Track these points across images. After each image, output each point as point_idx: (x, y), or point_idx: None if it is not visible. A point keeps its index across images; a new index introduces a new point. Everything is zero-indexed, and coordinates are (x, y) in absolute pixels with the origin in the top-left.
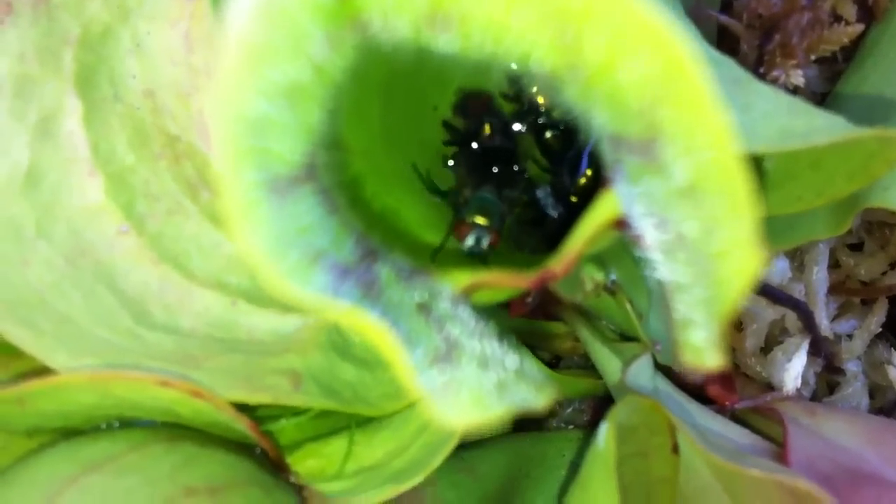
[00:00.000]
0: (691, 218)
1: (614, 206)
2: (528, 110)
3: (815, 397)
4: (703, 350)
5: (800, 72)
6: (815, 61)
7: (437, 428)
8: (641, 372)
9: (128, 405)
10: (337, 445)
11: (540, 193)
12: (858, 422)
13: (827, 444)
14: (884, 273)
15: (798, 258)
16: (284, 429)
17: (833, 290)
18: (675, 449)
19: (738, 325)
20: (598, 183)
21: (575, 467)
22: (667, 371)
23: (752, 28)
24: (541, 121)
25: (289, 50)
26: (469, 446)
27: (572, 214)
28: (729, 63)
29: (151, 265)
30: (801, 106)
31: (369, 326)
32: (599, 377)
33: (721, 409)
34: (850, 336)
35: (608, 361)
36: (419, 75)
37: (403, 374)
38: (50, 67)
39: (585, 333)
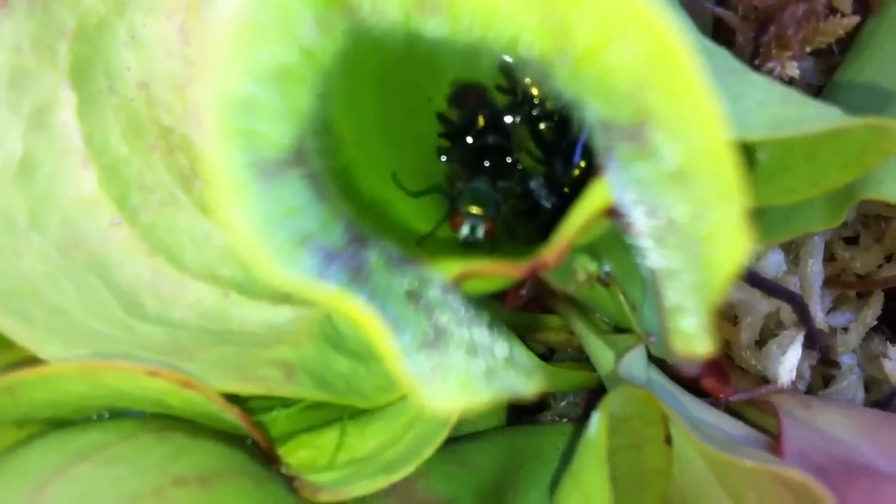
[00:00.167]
0: (681, 202)
1: (606, 194)
2: (522, 102)
3: (810, 390)
4: (693, 337)
5: (795, 63)
6: (811, 53)
7: (429, 419)
8: (635, 363)
9: (118, 395)
10: (329, 437)
11: (534, 184)
12: (853, 414)
13: (821, 437)
14: (879, 266)
15: (793, 251)
16: (276, 420)
17: (828, 283)
18: (669, 440)
19: (732, 319)
20: (592, 174)
21: (567, 459)
22: (661, 364)
23: (747, 20)
24: (535, 112)
25: (278, 32)
26: (462, 439)
27: (566, 205)
28: (723, 53)
29: (144, 257)
30: (794, 96)
31: (356, 310)
32: (594, 370)
33: (716, 402)
34: (845, 329)
35: (602, 353)
36: (413, 66)
37: (390, 358)
38: (45, 59)
39: (579, 325)
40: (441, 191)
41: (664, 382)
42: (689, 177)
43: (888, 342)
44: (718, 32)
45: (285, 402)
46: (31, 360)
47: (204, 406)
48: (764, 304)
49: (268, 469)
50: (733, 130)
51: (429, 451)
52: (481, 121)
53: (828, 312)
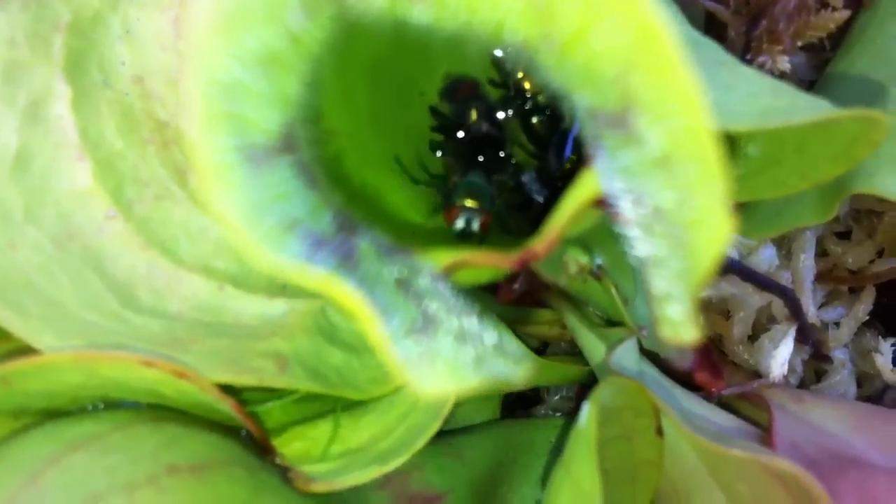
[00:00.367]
0: (666, 188)
1: (594, 184)
2: (514, 96)
3: (802, 385)
4: (680, 324)
5: (786, 58)
6: (803, 48)
7: (423, 411)
8: (626, 355)
9: (112, 385)
10: (323, 428)
11: (526, 178)
12: (845, 408)
13: (813, 430)
14: (871, 261)
15: (785, 246)
16: (270, 412)
17: (820, 278)
18: (660, 432)
19: (725, 313)
20: (582, 167)
21: (558, 451)
22: (654, 358)
23: (738, 14)
24: (527, 106)
25: (264, 16)
26: (457, 432)
27: (557, 198)
28: (713, 46)
29: (139, 250)
30: (784, 87)
31: (345, 294)
32: (587, 364)
33: (708, 396)
34: (837, 324)
35: (594, 346)
36: (404, 59)
37: (378, 343)
38: (40, 53)
39: (572, 319)
40: (435, 184)
41: (656, 375)
42: (672, 162)
43: (880, 337)
44: (710, 27)
45: (279, 394)
46: (26, 351)
47: (198, 396)
48: (756, 299)
49: (262, 460)
50: (723, 121)
51: (421, 442)
52: (474, 114)
53: (820, 307)
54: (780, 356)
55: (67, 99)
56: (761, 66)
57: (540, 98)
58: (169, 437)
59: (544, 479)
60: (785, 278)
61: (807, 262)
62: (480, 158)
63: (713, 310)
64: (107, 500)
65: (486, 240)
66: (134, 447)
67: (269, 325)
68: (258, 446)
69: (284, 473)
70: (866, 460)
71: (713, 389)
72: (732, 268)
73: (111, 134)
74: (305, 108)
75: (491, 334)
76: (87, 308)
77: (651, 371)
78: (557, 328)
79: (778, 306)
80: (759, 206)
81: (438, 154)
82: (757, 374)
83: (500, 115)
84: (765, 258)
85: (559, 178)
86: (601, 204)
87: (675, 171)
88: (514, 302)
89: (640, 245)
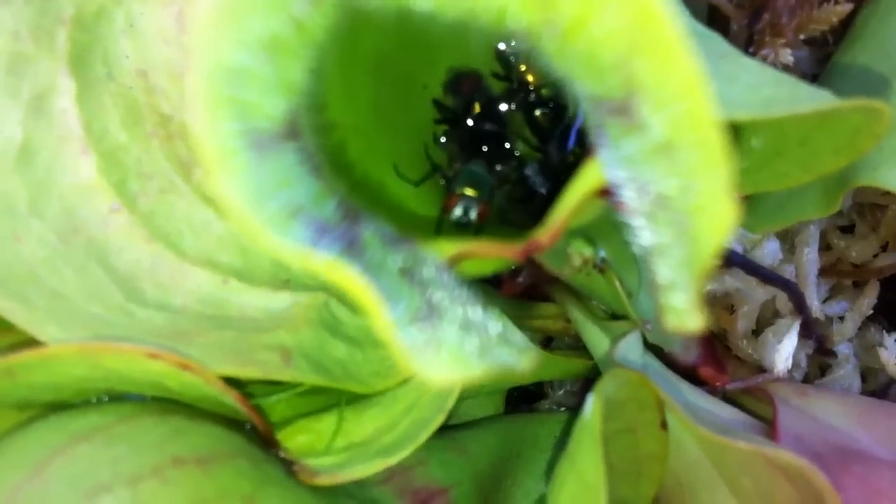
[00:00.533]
0: (669, 175)
1: (598, 174)
2: (517, 88)
3: (806, 380)
4: (685, 313)
5: (789, 51)
6: (806, 42)
7: (427, 405)
8: (630, 348)
9: (117, 378)
10: (327, 422)
11: (529, 171)
12: (849, 402)
13: (817, 424)
14: (875, 255)
15: (789, 240)
16: (275, 405)
17: (824, 272)
18: (664, 425)
19: (729, 308)
20: (585, 159)
21: (562, 445)
22: (658, 352)
23: (741, 7)
24: (530, 98)
25: (269, 2)
26: (461, 427)
27: (560, 191)
28: (716, 38)
29: (143, 243)
30: (786, 79)
31: (350, 279)
32: (591, 358)
33: (712, 391)
34: (841, 318)
35: (598, 339)
36: (407, 52)
37: (383, 329)
38: (44, 46)
39: (576, 313)
40: (438, 174)
41: (660, 368)
42: (675, 148)
43: (884, 331)
44: (713, 21)
45: (284, 387)
46: (31, 343)
47: (203, 389)
48: (760, 293)
49: (266, 453)
50: (726, 111)
51: (425, 436)
52: (477, 107)
53: (824, 301)
54: (785, 350)
55: (71, 92)
56: (764, 60)
57: (543, 91)
58: (174, 430)
59: (548, 474)
60: (788, 272)
61: (810, 256)
62: (483, 149)
63: (717, 304)
64: (111, 492)
65: (490, 233)
66: (139, 439)
67: (273, 319)
68: (263, 439)
69: (289, 466)
70: (870, 454)
71: (717, 384)
72: (736, 262)
73: (115, 127)
74: (309, 96)
75: (495, 324)
76: (92, 301)
77: (655, 364)
78: (562, 322)
79: (782, 300)
80: (763, 199)
81: (442, 143)
82: (761, 369)
83: (504, 107)
84: (769, 252)
85: (562, 171)
86: (605, 194)
87: (678, 157)
88: (519, 295)
89: (644, 234)
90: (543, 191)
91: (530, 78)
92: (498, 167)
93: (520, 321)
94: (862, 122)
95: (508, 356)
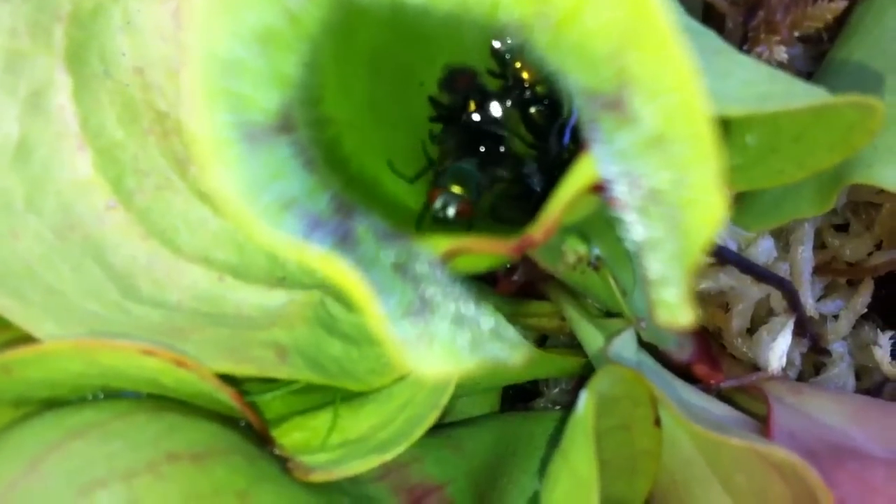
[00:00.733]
0: (661, 168)
1: (591, 169)
2: (513, 86)
3: (801, 378)
4: (676, 307)
5: (783, 48)
6: (801, 40)
7: (422, 402)
8: (625, 346)
9: (113, 374)
10: (322, 419)
11: (524, 168)
12: (844, 400)
13: (811, 421)
14: (869, 254)
15: (783, 238)
16: (270, 403)
17: (819, 270)
18: (658, 422)
19: (724, 306)
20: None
21: (556, 442)
22: (653, 350)
23: (736, 5)
24: (526, 96)
25: None
26: (456, 424)
27: (555, 188)
28: (710, 34)
29: (139, 240)
30: (781, 75)
31: (341, 272)
32: (586, 356)
33: (707, 389)
34: (835, 316)
35: (592, 337)
36: (403, 48)
37: (375, 323)
38: (41, 43)
39: (571, 311)
40: (432, 170)
41: (654, 366)
42: (667, 140)
43: (879, 330)
44: (708, 18)
45: (279, 385)
46: (27, 340)
47: (198, 386)
48: (754, 291)
49: (261, 449)
50: (719, 106)
51: (420, 432)
52: (472, 105)
53: (818, 300)
54: (779, 348)
55: (68, 89)
56: (759, 57)
57: (539, 88)
58: (169, 426)
59: (543, 471)
60: (783, 270)
61: (805, 254)
62: (477, 147)
63: (712, 302)
64: (106, 487)
65: (485, 229)
66: (134, 435)
67: (269, 316)
68: (258, 436)
69: (284, 463)
70: (864, 451)
71: (712, 382)
72: (731, 259)
73: (112, 124)
74: (304, 90)
75: (487, 319)
76: (88, 297)
77: (649, 362)
78: (557, 320)
79: (776, 299)
80: (758, 197)
81: (437, 140)
82: (756, 367)
83: (499, 105)
84: (763, 250)
85: (558, 168)
86: (598, 189)
87: (670, 150)
88: (514, 293)
89: (637, 228)
90: (538, 188)
91: (526, 75)
92: (492, 165)
93: (515, 319)
94: (856, 118)
95: (500, 351)
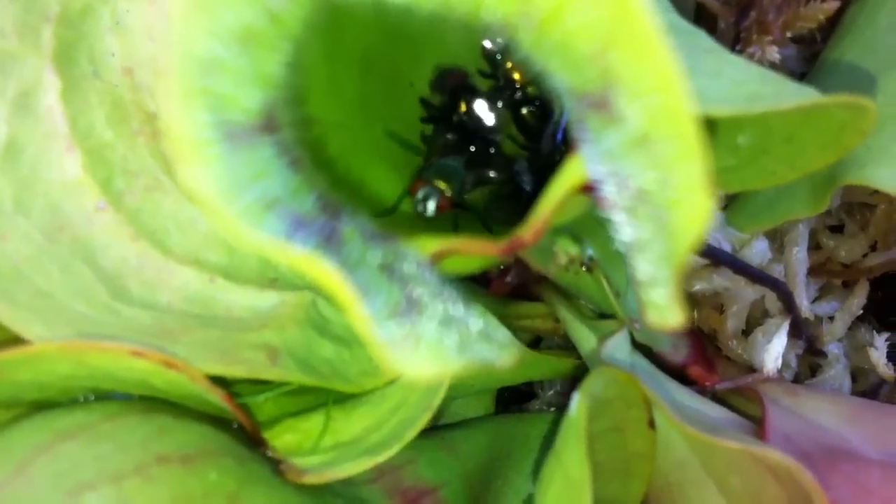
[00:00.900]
0: (647, 168)
1: (580, 169)
2: (503, 86)
3: (797, 380)
4: (665, 308)
5: (776, 49)
6: (793, 40)
7: (414, 404)
8: (618, 347)
9: (102, 376)
10: (314, 421)
11: (515, 168)
12: (839, 402)
13: (806, 423)
14: (864, 255)
15: (778, 239)
16: (262, 405)
17: (814, 272)
18: (652, 424)
19: (719, 308)
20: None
21: (550, 444)
22: (647, 352)
23: (728, 5)
24: (517, 96)
25: None
26: (450, 427)
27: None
28: (700, 34)
29: (129, 241)
30: (771, 75)
31: (325, 272)
32: (580, 358)
33: (702, 391)
34: (831, 318)
35: (586, 338)
36: (392, 48)
37: (359, 323)
38: (29, 43)
39: (564, 312)
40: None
41: (648, 367)
42: (652, 140)
43: (874, 331)
44: (700, 18)
45: (271, 387)
46: (16, 342)
47: (188, 387)
48: (749, 292)
49: (252, 451)
50: (710, 106)
51: (412, 434)
52: (463, 105)
53: (813, 301)
54: (774, 350)
55: (57, 90)
56: (751, 57)
57: (529, 89)
58: (159, 428)
59: (537, 473)
60: (778, 272)
61: (799, 256)
62: (467, 147)
63: (707, 304)
64: (95, 490)
65: (475, 230)
66: (123, 437)
67: (260, 317)
68: (249, 438)
69: (275, 465)
70: (860, 453)
71: (707, 383)
72: (725, 261)
73: (101, 125)
74: (288, 90)
75: (476, 320)
76: (77, 299)
77: (643, 363)
78: (550, 322)
79: (771, 300)
80: (752, 198)
81: (428, 141)
82: (751, 369)
83: (490, 105)
84: (757, 251)
85: (549, 169)
86: (587, 190)
87: (654, 150)
88: (507, 295)
89: (626, 229)
90: (529, 188)
91: (516, 76)
92: (482, 165)
93: (508, 320)
94: (847, 118)
95: (489, 352)
